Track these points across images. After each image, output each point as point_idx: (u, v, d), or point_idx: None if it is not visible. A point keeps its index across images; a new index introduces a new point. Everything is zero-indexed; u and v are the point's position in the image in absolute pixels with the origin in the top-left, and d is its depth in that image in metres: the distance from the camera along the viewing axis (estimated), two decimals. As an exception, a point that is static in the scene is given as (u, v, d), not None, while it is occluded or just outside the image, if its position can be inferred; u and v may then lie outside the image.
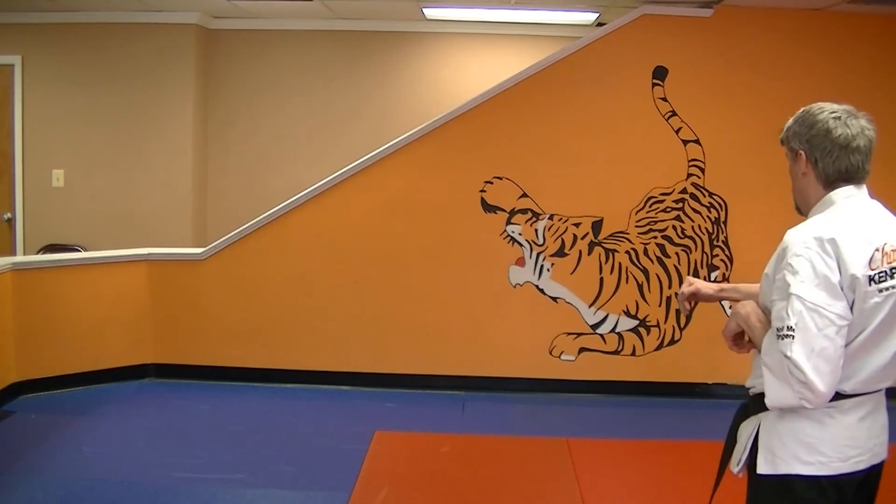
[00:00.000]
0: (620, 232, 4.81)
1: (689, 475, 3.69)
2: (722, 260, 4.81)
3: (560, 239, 4.82)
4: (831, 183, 1.95)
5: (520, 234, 4.81)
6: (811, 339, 1.67)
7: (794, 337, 1.68)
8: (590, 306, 4.85)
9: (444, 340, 4.88)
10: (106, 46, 5.93)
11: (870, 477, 1.85)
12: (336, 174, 4.82)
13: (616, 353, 4.88)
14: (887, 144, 5.00)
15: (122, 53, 5.92)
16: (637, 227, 4.82)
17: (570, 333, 4.87)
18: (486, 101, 4.75)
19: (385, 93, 6.14)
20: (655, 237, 4.81)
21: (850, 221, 1.85)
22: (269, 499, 3.38)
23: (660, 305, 4.83)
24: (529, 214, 4.80)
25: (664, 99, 4.75)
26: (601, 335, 4.87)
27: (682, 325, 4.86)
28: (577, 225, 4.81)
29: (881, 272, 1.75)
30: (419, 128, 4.80)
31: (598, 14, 5.53)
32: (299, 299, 4.90)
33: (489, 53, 6.10)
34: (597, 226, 4.81)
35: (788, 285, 1.73)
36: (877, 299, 1.74)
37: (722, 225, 4.80)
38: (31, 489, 3.35)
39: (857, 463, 1.79)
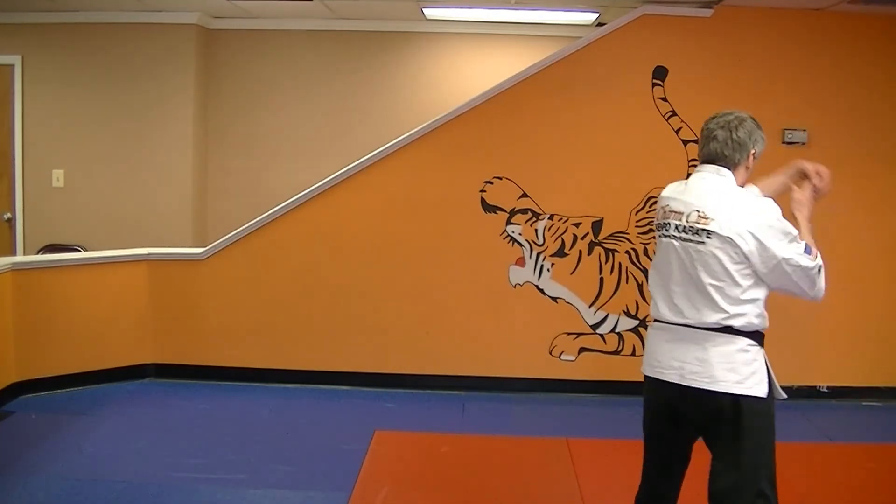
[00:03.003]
0: (620, 232, 4.81)
1: (689, 475, 3.68)
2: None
3: (560, 239, 4.81)
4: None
5: (520, 234, 4.81)
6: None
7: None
8: (590, 306, 4.85)
9: (444, 340, 4.88)
10: (106, 46, 5.92)
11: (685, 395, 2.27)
12: (336, 174, 4.82)
13: (616, 353, 4.87)
14: (888, 144, 5.04)
15: (122, 53, 5.92)
16: (637, 227, 4.82)
17: (570, 333, 4.87)
18: (485, 101, 4.75)
19: (385, 93, 6.14)
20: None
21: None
22: (269, 499, 3.38)
23: (660, 305, 4.83)
24: (529, 214, 4.80)
25: (664, 99, 4.74)
26: (601, 335, 4.87)
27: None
28: (577, 225, 4.81)
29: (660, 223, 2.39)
30: (419, 128, 4.80)
31: (598, 14, 5.52)
32: (299, 299, 4.90)
33: (489, 53, 6.10)
34: (597, 226, 4.81)
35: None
36: (657, 243, 2.41)
37: (722, 225, 4.79)
38: (31, 489, 3.35)
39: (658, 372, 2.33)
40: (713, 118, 2.42)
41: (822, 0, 4.50)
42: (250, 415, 4.44)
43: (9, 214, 6.05)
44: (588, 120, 4.80)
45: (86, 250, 5.57)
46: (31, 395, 4.57)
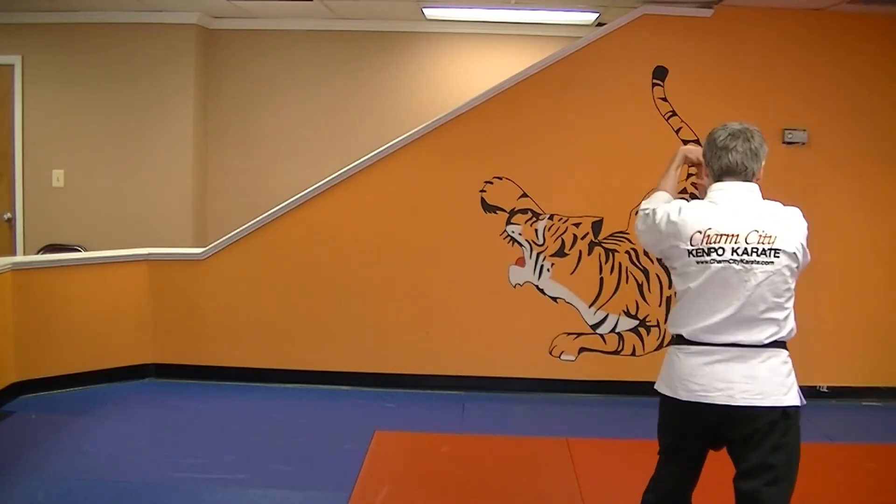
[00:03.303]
0: (620, 232, 4.81)
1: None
2: (722, 260, 4.80)
3: (560, 239, 4.81)
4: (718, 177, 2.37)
5: (520, 234, 4.81)
6: None
7: None
8: (590, 306, 4.85)
9: (444, 340, 4.88)
10: (106, 46, 5.92)
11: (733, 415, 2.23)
12: (336, 174, 4.82)
13: (616, 353, 4.87)
14: (888, 144, 5.04)
15: (122, 53, 5.91)
16: (637, 227, 4.81)
17: (570, 333, 4.87)
18: (485, 101, 4.75)
19: (385, 93, 6.14)
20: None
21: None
22: (269, 499, 3.38)
23: (660, 305, 4.83)
24: (529, 214, 4.80)
25: (664, 99, 4.74)
26: (601, 335, 4.87)
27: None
28: (577, 225, 4.81)
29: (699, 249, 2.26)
30: (419, 128, 4.80)
31: (598, 14, 5.52)
32: (299, 299, 4.90)
33: (489, 53, 6.10)
34: (597, 226, 4.81)
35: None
36: (694, 268, 2.27)
37: (722, 225, 4.79)
38: (31, 489, 3.35)
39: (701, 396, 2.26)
40: (723, 129, 2.35)
41: (822, 0, 4.50)
42: (250, 415, 4.44)
43: (9, 214, 6.05)
44: (588, 120, 4.80)
45: (86, 250, 5.57)
46: (31, 395, 4.57)
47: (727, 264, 2.22)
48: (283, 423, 4.30)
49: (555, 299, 4.85)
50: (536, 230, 4.81)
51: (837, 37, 4.71)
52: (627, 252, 4.82)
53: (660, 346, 4.85)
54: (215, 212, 6.19)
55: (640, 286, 4.83)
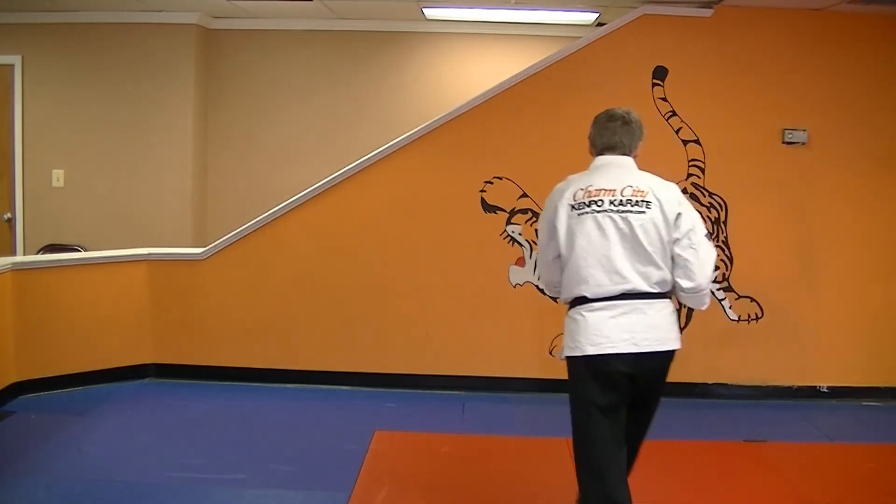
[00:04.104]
0: (620, 232, 4.81)
1: (689, 475, 3.69)
2: (722, 260, 4.81)
3: (560, 239, 4.81)
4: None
5: (520, 234, 4.81)
6: None
7: None
8: (590, 306, 4.84)
9: (444, 340, 4.88)
10: (106, 46, 5.93)
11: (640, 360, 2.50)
12: (336, 174, 4.82)
13: (616, 353, 4.86)
14: (888, 144, 5.03)
15: (122, 53, 5.92)
16: (637, 227, 4.81)
17: (570, 333, 4.86)
18: (486, 100, 4.75)
19: (385, 93, 6.15)
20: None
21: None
22: (269, 499, 3.38)
23: (660, 305, 4.83)
24: (529, 214, 4.80)
25: (664, 99, 4.74)
26: (601, 335, 4.86)
27: (681, 326, 4.85)
28: (577, 225, 4.80)
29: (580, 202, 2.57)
30: (419, 128, 4.80)
31: (598, 14, 5.53)
32: (299, 299, 4.90)
33: (489, 53, 6.11)
34: (597, 226, 4.80)
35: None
36: (576, 220, 2.57)
37: (722, 225, 4.80)
38: (32, 489, 3.35)
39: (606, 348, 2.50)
40: (606, 112, 2.78)
41: (822, 0, 4.50)
42: (250, 415, 4.44)
43: (9, 214, 6.05)
44: (588, 120, 4.77)
45: (86, 250, 5.57)
46: (31, 395, 4.57)
47: (606, 214, 2.54)
48: (283, 423, 4.30)
49: (555, 299, 4.83)
50: (536, 230, 4.80)
51: (837, 37, 4.71)
52: (627, 252, 4.81)
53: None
54: (215, 212, 6.19)
55: (640, 286, 4.82)
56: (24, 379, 4.57)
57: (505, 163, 4.79)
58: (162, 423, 4.26)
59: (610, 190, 2.57)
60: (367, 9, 5.69)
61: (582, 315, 2.57)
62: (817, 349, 4.85)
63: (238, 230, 4.88)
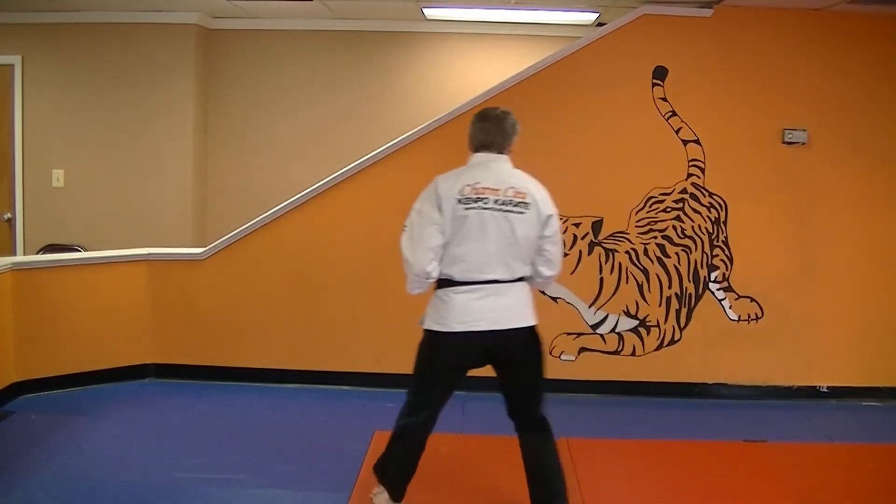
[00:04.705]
0: (620, 232, 4.81)
1: (689, 475, 3.69)
2: (722, 260, 4.81)
3: (560, 239, 4.81)
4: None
5: (520, 234, 4.81)
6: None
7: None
8: (590, 306, 4.85)
9: (444, 340, 4.87)
10: (106, 46, 5.93)
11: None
12: (336, 174, 4.82)
13: (616, 353, 4.87)
14: (888, 144, 5.03)
15: (122, 53, 5.92)
16: (637, 227, 4.82)
17: (570, 333, 4.87)
18: (486, 101, 4.74)
19: (385, 92, 6.15)
20: (655, 237, 4.81)
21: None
22: (269, 499, 3.38)
23: (660, 305, 4.83)
24: (529, 214, 4.80)
25: (664, 99, 4.75)
26: (601, 335, 4.87)
27: (682, 326, 4.86)
28: (577, 225, 4.81)
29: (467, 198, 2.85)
30: (419, 128, 4.79)
31: (598, 14, 5.53)
32: (299, 299, 4.90)
33: (489, 53, 6.10)
34: (597, 226, 4.81)
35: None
36: (461, 213, 2.84)
37: (722, 225, 4.80)
38: (31, 489, 3.35)
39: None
40: (481, 113, 3.04)
41: (822, 0, 4.50)
42: (250, 415, 4.44)
43: (9, 214, 6.05)
44: (588, 120, 4.80)
45: (86, 250, 5.57)
46: (31, 395, 4.57)
47: (490, 211, 2.83)
48: (283, 423, 4.30)
49: (555, 299, 4.84)
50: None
51: (837, 37, 4.71)
52: (627, 252, 4.82)
53: (659, 346, 4.86)
54: (215, 212, 6.19)
55: (639, 286, 4.83)
56: (24, 379, 4.57)
57: (505, 163, 4.78)
58: (162, 423, 4.26)
59: (495, 189, 2.86)
60: (367, 9, 5.69)
61: (449, 296, 2.89)
62: (817, 349, 4.85)
63: (238, 230, 4.88)
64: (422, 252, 2.86)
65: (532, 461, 3.04)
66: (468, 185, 2.86)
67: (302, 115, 6.17)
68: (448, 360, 2.98)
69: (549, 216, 2.93)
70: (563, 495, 2.98)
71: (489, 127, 2.98)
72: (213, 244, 4.93)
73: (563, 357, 4.87)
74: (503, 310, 2.88)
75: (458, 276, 2.87)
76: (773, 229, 4.81)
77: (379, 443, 3.95)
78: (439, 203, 2.86)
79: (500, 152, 2.98)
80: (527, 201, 2.88)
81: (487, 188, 2.86)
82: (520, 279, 2.92)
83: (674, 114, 4.75)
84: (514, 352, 2.96)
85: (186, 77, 5.92)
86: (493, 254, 2.84)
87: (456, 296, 2.88)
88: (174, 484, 3.45)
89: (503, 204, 2.85)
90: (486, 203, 2.84)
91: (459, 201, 2.84)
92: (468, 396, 4.81)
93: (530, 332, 2.96)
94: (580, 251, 4.81)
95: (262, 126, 6.19)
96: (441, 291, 2.93)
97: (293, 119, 6.17)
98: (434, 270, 2.88)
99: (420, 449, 3.07)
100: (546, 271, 2.98)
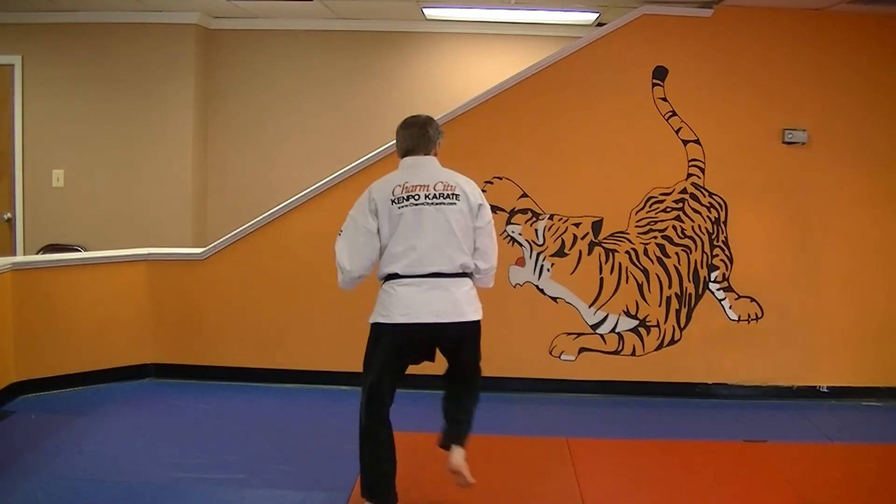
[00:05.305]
0: (620, 232, 4.81)
1: (689, 475, 3.69)
2: (722, 260, 4.81)
3: (560, 239, 4.81)
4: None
5: (520, 234, 4.81)
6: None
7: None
8: (590, 306, 4.85)
9: (444, 340, 4.87)
10: (106, 46, 5.93)
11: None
12: (336, 174, 4.82)
13: (616, 353, 4.87)
14: (888, 144, 5.02)
15: (121, 53, 5.92)
16: (637, 227, 4.82)
17: (570, 333, 4.87)
18: (485, 101, 4.75)
19: (385, 93, 6.14)
20: (655, 237, 4.81)
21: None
22: (269, 499, 3.38)
23: (660, 305, 4.83)
24: (529, 214, 4.80)
25: (664, 99, 4.75)
26: (601, 335, 4.87)
27: (682, 325, 4.86)
28: (577, 225, 4.81)
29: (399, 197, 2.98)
30: (419, 128, 4.79)
31: (598, 14, 5.53)
32: (299, 299, 4.90)
33: (489, 53, 6.10)
34: (597, 226, 4.81)
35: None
36: (396, 212, 2.97)
37: (722, 225, 4.80)
38: (31, 489, 3.35)
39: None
40: (405, 120, 3.15)
41: (822, 0, 4.50)
42: (250, 415, 4.44)
43: (9, 214, 6.05)
44: (588, 120, 4.80)
45: (86, 250, 5.57)
46: (31, 395, 4.57)
47: (422, 206, 2.96)
48: (283, 423, 4.30)
49: (555, 299, 4.85)
50: (536, 230, 4.81)
51: (837, 37, 4.71)
52: (627, 252, 4.82)
53: (659, 346, 4.86)
54: (215, 211, 6.19)
55: (639, 286, 4.83)
56: (24, 379, 4.57)
57: (505, 163, 4.78)
58: (162, 423, 4.25)
59: (424, 185, 2.99)
60: (367, 9, 5.69)
61: (394, 289, 2.97)
62: (817, 349, 4.85)
63: (238, 230, 4.88)
64: (357, 260, 3.01)
65: (450, 408, 3.31)
66: (398, 186, 3.00)
67: (302, 114, 6.17)
68: (392, 350, 3.05)
69: (480, 205, 3.05)
70: (464, 431, 3.27)
71: (413, 133, 3.11)
72: (213, 244, 4.93)
73: (563, 357, 4.87)
74: (446, 303, 2.98)
75: (402, 272, 2.97)
76: (773, 229, 4.81)
77: (379, 443, 3.95)
78: (374, 208, 3.00)
79: (427, 153, 3.11)
80: (456, 192, 3.00)
81: (417, 185, 2.99)
82: (463, 274, 3.03)
83: (674, 114, 4.75)
84: (459, 343, 3.09)
85: (186, 77, 5.92)
86: (431, 246, 2.95)
87: (400, 288, 2.97)
88: (174, 484, 3.45)
89: (434, 198, 2.97)
90: (417, 199, 2.97)
91: (393, 202, 2.98)
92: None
93: (472, 327, 3.09)
94: (580, 251, 4.81)
95: (262, 126, 6.19)
96: (387, 284, 3.03)
97: (293, 119, 6.17)
98: (367, 272, 3.05)
99: (384, 448, 3.12)
100: (482, 263, 3.08)
